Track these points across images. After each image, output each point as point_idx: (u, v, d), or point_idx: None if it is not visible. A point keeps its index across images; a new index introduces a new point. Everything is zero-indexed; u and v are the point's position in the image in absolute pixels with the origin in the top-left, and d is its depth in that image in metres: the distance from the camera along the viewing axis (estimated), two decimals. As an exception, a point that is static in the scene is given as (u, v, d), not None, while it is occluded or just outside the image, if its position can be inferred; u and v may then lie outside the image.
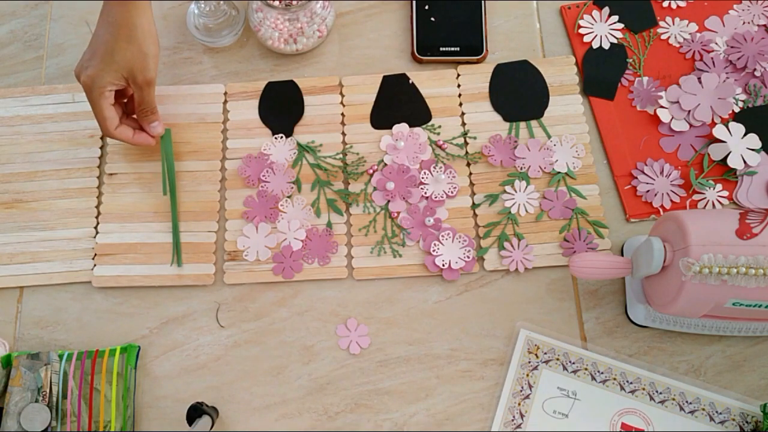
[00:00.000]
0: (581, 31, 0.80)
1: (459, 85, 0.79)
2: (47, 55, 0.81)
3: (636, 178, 0.74)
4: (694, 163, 0.75)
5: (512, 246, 0.72)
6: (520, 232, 0.73)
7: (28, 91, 0.79)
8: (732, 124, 0.74)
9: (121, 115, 0.71)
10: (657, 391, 0.66)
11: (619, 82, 0.78)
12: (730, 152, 0.73)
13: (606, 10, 0.81)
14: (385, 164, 0.75)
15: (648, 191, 0.74)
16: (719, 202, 0.73)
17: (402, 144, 0.75)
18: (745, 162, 0.73)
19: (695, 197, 0.73)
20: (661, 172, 0.74)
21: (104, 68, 0.66)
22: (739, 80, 0.77)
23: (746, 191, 0.73)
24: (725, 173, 0.74)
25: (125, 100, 0.74)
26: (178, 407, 0.67)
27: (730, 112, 0.76)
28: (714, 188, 0.73)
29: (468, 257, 0.71)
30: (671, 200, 0.73)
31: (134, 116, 0.73)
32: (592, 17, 0.81)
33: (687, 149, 0.75)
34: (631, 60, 0.79)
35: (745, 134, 0.74)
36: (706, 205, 0.73)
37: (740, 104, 0.76)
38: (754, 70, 0.77)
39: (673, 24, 0.80)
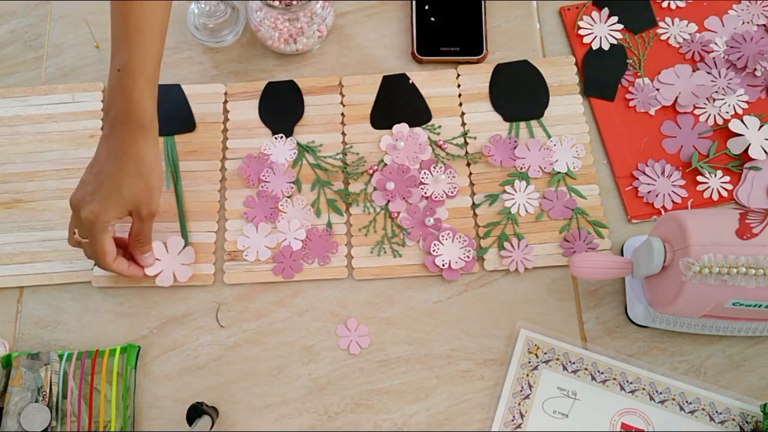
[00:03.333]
0: (581, 32, 0.80)
1: (459, 85, 0.79)
2: (47, 55, 0.81)
3: (637, 179, 0.74)
4: (701, 147, 0.75)
5: (512, 246, 0.72)
6: (520, 232, 0.73)
7: (28, 91, 0.79)
8: (747, 117, 0.75)
9: (115, 249, 0.67)
10: (657, 391, 0.66)
11: (620, 83, 0.78)
12: (749, 144, 0.73)
13: (605, 10, 0.81)
14: (385, 164, 0.75)
15: (649, 192, 0.73)
16: (723, 188, 0.73)
17: (402, 144, 0.75)
18: (766, 152, 0.73)
19: (699, 187, 0.73)
20: (663, 173, 0.74)
21: (110, 204, 0.63)
22: (741, 81, 0.77)
23: (748, 191, 0.73)
24: (729, 163, 0.74)
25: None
26: (178, 407, 0.67)
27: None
28: (716, 175, 0.73)
29: (468, 257, 0.71)
30: (672, 201, 0.73)
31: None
32: (592, 18, 0.81)
33: (689, 150, 0.75)
34: (631, 61, 0.79)
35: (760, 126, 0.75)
36: (711, 194, 0.73)
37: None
38: (755, 70, 0.77)
39: (673, 24, 0.80)
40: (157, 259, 0.71)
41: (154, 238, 0.73)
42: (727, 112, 0.76)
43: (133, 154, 0.63)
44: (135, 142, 0.63)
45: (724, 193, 0.73)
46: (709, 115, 0.77)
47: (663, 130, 0.76)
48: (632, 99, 0.77)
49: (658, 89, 0.77)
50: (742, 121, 0.75)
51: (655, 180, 0.74)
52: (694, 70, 0.78)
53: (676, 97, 0.77)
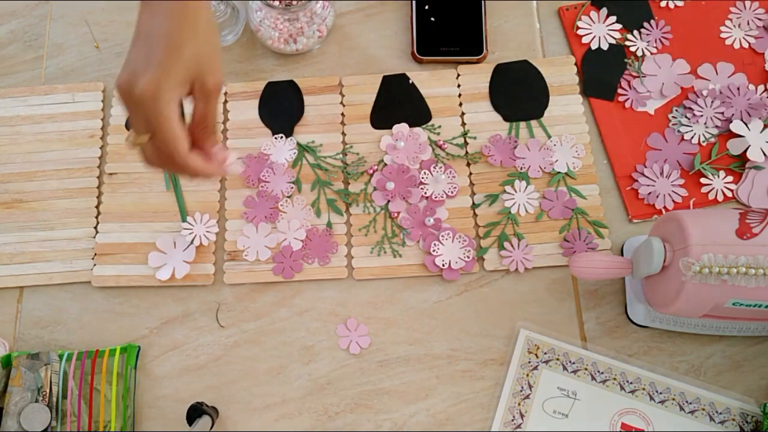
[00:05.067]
0: (580, 32, 0.80)
1: (459, 85, 0.79)
2: (47, 55, 0.81)
3: (636, 180, 0.74)
4: (703, 150, 0.75)
5: (512, 246, 0.72)
6: (520, 232, 0.73)
7: (28, 91, 0.79)
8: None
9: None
10: (657, 391, 0.66)
11: (619, 82, 0.78)
12: (749, 146, 0.73)
13: (604, 10, 0.81)
14: (385, 164, 0.75)
15: (650, 193, 0.73)
16: (727, 188, 0.73)
17: (402, 144, 0.75)
18: (765, 155, 0.73)
19: (703, 189, 0.73)
20: (662, 174, 0.74)
21: (170, 67, 0.49)
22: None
23: (748, 190, 0.73)
24: (732, 164, 0.74)
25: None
26: (178, 407, 0.67)
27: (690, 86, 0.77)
28: (719, 176, 0.73)
29: (468, 257, 0.71)
30: (673, 201, 0.73)
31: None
32: (590, 18, 0.81)
33: (673, 165, 0.75)
34: (629, 60, 0.79)
35: (763, 129, 0.75)
36: (716, 195, 0.73)
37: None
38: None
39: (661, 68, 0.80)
40: (163, 253, 0.71)
41: (156, 238, 0.73)
42: (711, 135, 0.76)
43: (187, 8, 0.50)
44: None
45: (729, 194, 0.73)
46: (735, 38, 0.78)
47: (649, 142, 0.76)
48: (625, 98, 0.77)
49: (643, 82, 0.78)
50: (744, 121, 0.75)
51: (655, 181, 0.74)
52: (674, 61, 0.78)
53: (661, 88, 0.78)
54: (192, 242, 0.72)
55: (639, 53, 0.79)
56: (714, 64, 0.78)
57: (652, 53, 0.79)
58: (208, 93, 0.53)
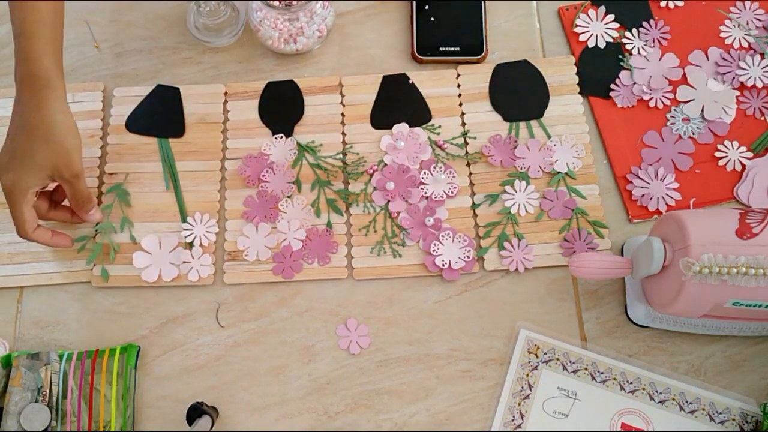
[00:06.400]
0: (577, 29, 0.80)
1: (459, 85, 0.79)
2: (47, 55, 0.81)
3: (630, 182, 0.74)
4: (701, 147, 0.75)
5: (512, 246, 0.72)
6: (520, 232, 0.73)
7: (28, 91, 0.79)
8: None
9: (48, 207, 0.68)
10: (657, 391, 0.66)
11: (615, 80, 0.78)
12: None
13: (602, 9, 0.81)
14: (385, 164, 0.75)
15: (643, 195, 0.73)
16: (743, 159, 0.74)
17: (402, 144, 0.75)
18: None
19: (720, 162, 0.74)
20: (656, 176, 0.74)
21: (26, 171, 0.62)
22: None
23: (748, 190, 0.73)
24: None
25: (51, 189, 0.70)
26: (178, 407, 0.67)
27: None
28: (734, 146, 0.74)
29: (468, 257, 0.71)
30: (666, 204, 0.73)
31: (64, 205, 0.71)
32: (588, 16, 0.81)
33: (668, 163, 0.75)
34: (625, 58, 0.79)
35: None
36: (734, 165, 0.74)
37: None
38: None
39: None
40: (147, 253, 0.72)
41: (142, 238, 0.73)
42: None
43: (42, 119, 0.62)
44: (41, 106, 0.62)
45: (745, 162, 0.74)
46: (735, 38, 0.79)
47: (645, 139, 0.76)
48: (616, 94, 0.77)
49: (631, 75, 0.78)
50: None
51: (649, 183, 0.74)
52: (663, 55, 0.79)
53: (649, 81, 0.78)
54: (178, 245, 0.72)
55: (635, 52, 0.79)
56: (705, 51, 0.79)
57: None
58: (68, 181, 0.64)
